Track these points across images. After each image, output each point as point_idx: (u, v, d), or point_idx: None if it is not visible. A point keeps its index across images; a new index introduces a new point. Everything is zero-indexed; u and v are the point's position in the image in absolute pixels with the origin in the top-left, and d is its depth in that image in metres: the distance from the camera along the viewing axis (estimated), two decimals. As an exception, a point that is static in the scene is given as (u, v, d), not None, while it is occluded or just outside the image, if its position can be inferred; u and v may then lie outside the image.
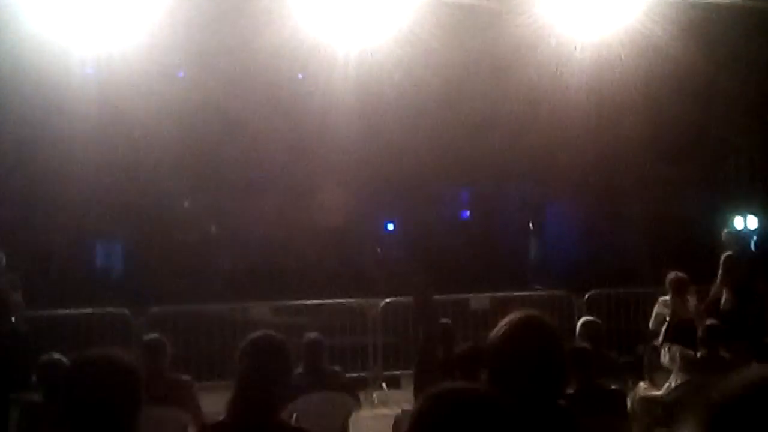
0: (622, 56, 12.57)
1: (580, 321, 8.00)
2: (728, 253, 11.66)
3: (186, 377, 7.00)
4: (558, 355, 3.24)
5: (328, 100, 13.92)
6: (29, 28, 10.68)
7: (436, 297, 11.63)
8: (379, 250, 17.72)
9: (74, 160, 14.01)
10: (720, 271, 11.23)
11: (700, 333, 7.50)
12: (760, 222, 17.05)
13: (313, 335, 7.63)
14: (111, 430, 2.96)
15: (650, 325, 10.05)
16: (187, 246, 15.75)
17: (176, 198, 16.53)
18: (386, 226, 19.12)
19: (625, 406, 6.17)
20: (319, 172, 16.21)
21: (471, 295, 12.49)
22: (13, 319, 9.43)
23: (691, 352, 7.69)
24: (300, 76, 15.77)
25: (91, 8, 10.70)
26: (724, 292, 11.05)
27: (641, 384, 8.34)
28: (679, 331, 8.09)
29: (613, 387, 6.31)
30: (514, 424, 1.98)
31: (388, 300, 12.28)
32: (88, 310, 11.26)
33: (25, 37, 10.78)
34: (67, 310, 11.19)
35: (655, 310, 10.13)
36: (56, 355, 6.56)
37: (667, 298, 9.96)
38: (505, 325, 3.23)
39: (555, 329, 3.32)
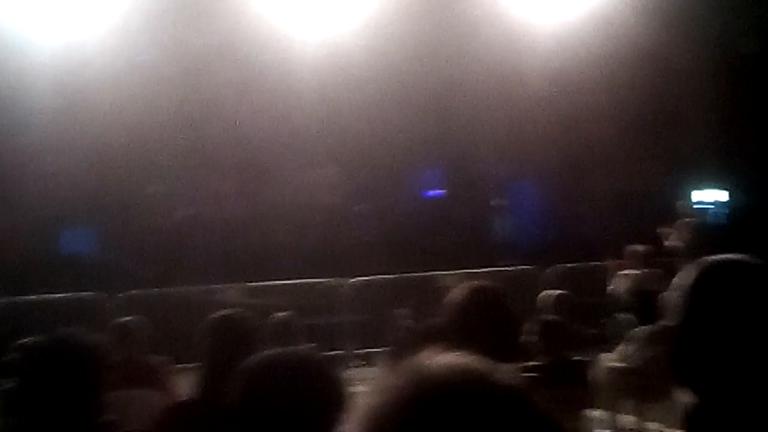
0: (581, 33, 12.77)
1: (549, 294, 8.18)
2: (694, 221, 11.90)
3: (159, 358, 7.08)
4: (507, 316, 3.38)
5: (295, 83, 14.00)
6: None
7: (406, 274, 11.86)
8: (349, 227, 17.80)
9: (42, 146, 13.98)
10: (687, 238, 11.46)
11: (661, 303, 7.66)
12: (728, 195, 17.44)
13: (283, 314, 7.74)
14: (73, 407, 3.02)
15: (614, 297, 10.26)
16: (157, 229, 15.76)
17: (145, 181, 16.50)
18: (355, 206, 19.19)
19: (588, 376, 6.33)
20: (286, 153, 16.27)
21: (438, 272, 12.64)
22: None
23: (654, 324, 7.87)
24: (266, 59, 15.82)
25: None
26: (684, 264, 11.29)
27: (605, 355, 8.53)
28: (642, 303, 8.28)
29: (576, 358, 6.49)
30: None
31: (358, 279, 12.42)
32: (60, 296, 11.29)
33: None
34: (39, 296, 11.21)
35: (618, 282, 10.33)
36: (36, 339, 6.56)
37: (628, 271, 10.18)
38: (453, 295, 3.38)
39: (502, 293, 3.46)
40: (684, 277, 2.17)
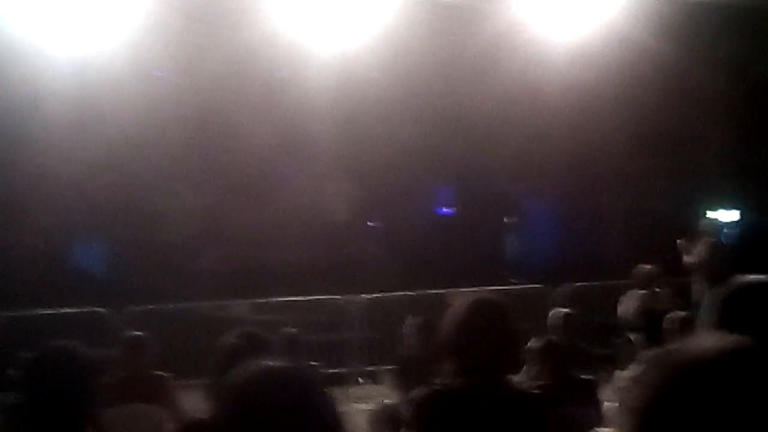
0: (599, 52, 12.73)
1: (552, 313, 8.12)
2: (713, 240, 11.85)
3: (165, 374, 7.07)
4: (507, 329, 3.35)
5: (309, 98, 14.01)
6: (7, 27, 10.71)
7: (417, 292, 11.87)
8: (360, 244, 17.77)
9: (55, 160, 14.03)
10: (703, 256, 11.38)
11: (669, 325, 7.58)
12: (741, 215, 17.35)
13: (288, 330, 7.73)
14: (69, 419, 3.00)
15: (623, 317, 10.18)
16: (167, 244, 15.76)
17: (155, 196, 16.53)
18: (367, 222, 19.20)
19: (596, 395, 6.27)
20: (300, 170, 16.29)
21: (450, 290, 12.57)
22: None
23: (661, 345, 7.78)
24: (281, 74, 15.85)
25: (70, 8, 10.75)
26: (697, 282, 11.25)
27: (619, 373, 8.42)
28: (649, 323, 8.20)
29: (583, 377, 6.42)
30: None
31: (369, 296, 12.37)
32: (68, 310, 11.27)
33: (3, 36, 10.82)
34: (46, 310, 11.19)
35: (627, 302, 10.26)
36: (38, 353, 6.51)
37: (639, 291, 10.11)
38: (455, 307, 3.36)
39: (503, 306, 3.43)
40: (714, 297, 2.16)
